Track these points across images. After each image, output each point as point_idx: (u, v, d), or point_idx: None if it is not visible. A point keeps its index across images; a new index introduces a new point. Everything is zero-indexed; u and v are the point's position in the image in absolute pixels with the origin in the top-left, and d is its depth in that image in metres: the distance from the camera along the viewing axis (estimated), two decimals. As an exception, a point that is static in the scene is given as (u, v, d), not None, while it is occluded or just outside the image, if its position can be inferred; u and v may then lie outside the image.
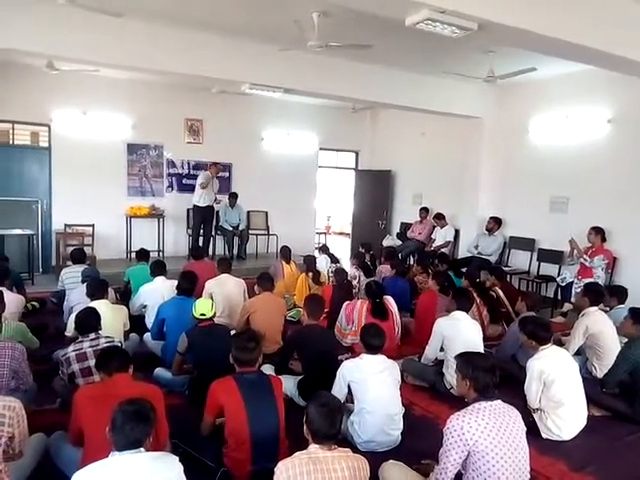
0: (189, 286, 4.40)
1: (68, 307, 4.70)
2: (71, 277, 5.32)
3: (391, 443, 3.18)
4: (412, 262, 8.77)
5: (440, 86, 7.55)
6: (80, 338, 3.31)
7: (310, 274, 6.34)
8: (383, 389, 3.15)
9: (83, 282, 4.76)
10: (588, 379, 3.90)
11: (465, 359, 2.58)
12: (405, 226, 9.73)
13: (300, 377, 3.78)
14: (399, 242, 9.35)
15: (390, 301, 4.98)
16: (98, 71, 6.89)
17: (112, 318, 3.94)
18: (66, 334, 4.19)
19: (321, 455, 2.11)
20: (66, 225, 7.94)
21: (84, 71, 6.83)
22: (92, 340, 3.27)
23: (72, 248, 6.32)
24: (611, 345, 4.11)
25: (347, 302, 5.20)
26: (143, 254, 6.03)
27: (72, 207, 8.20)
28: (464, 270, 6.81)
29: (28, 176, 8.14)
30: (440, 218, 8.71)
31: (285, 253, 6.83)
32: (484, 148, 8.25)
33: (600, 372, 4.08)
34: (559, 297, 6.73)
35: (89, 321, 3.37)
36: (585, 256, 6.16)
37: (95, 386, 2.77)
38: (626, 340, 3.83)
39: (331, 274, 6.65)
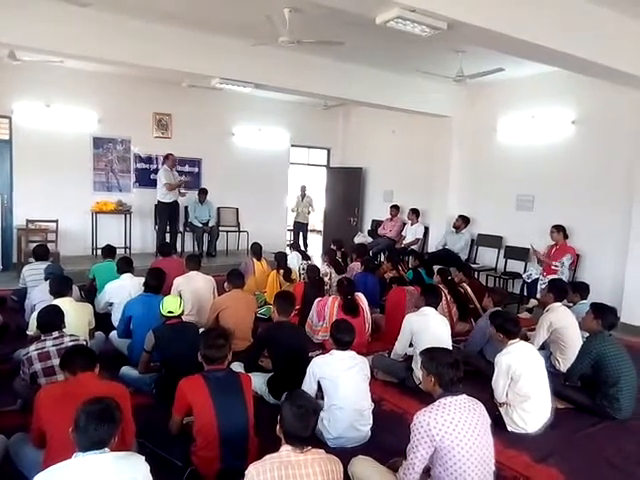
0: (156, 283, 4.33)
1: (30, 305, 4.56)
2: (33, 274, 5.15)
3: (361, 439, 3.19)
4: (383, 259, 8.84)
5: (411, 85, 7.61)
6: (43, 337, 3.21)
7: (281, 271, 6.32)
8: (353, 385, 3.15)
9: (46, 279, 4.62)
10: (552, 373, 4.00)
11: (429, 355, 2.60)
12: (376, 223, 9.80)
13: (270, 374, 3.76)
14: (370, 239, 9.42)
15: (361, 297, 5.01)
16: (62, 62, 6.67)
17: (76, 316, 3.83)
18: (28, 333, 4.05)
19: (293, 459, 2.05)
20: (28, 221, 7.69)
21: (48, 62, 6.61)
22: (55, 339, 3.18)
23: (34, 244, 6.13)
24: (574, 339, 4.24)
25: (319, 299, 5.21)
26: (109, 251, 5.87)
27: (35, 202, 7.94)
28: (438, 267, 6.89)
29: (-13, 169, 7.84)
30: (415, 213, 8.77)
31: (256, 250, 6.78)
32: (453, 147, 8.38)
33: (563, 366, 4.20)
34: (525, 293, 6.89)
35: (52, 319, 3.27)
36: (556, 262, 6.26)
37: (58, 385, 2.69)
38: (588, 335, 3.94)
39: (302, 271, 6.65)
